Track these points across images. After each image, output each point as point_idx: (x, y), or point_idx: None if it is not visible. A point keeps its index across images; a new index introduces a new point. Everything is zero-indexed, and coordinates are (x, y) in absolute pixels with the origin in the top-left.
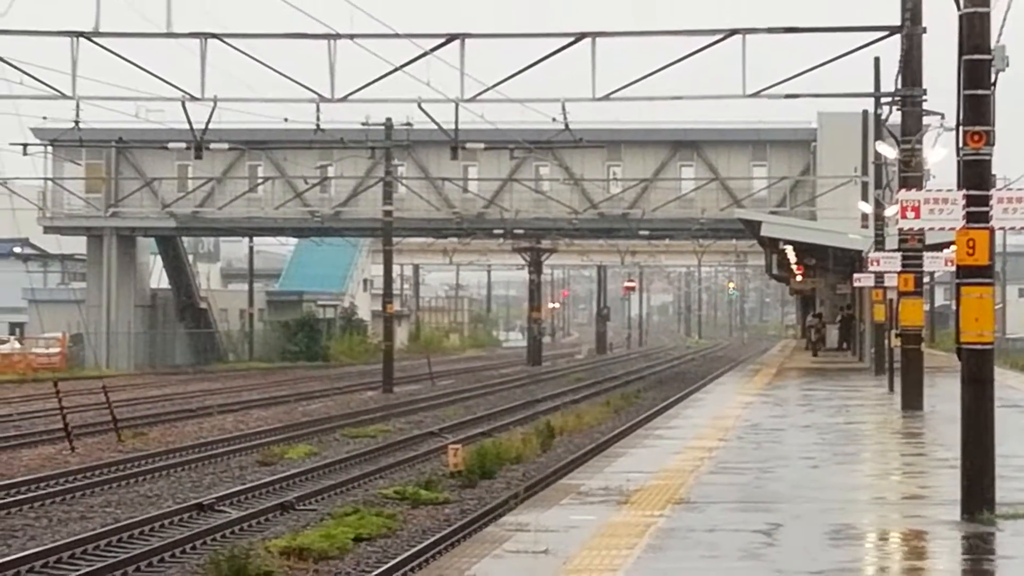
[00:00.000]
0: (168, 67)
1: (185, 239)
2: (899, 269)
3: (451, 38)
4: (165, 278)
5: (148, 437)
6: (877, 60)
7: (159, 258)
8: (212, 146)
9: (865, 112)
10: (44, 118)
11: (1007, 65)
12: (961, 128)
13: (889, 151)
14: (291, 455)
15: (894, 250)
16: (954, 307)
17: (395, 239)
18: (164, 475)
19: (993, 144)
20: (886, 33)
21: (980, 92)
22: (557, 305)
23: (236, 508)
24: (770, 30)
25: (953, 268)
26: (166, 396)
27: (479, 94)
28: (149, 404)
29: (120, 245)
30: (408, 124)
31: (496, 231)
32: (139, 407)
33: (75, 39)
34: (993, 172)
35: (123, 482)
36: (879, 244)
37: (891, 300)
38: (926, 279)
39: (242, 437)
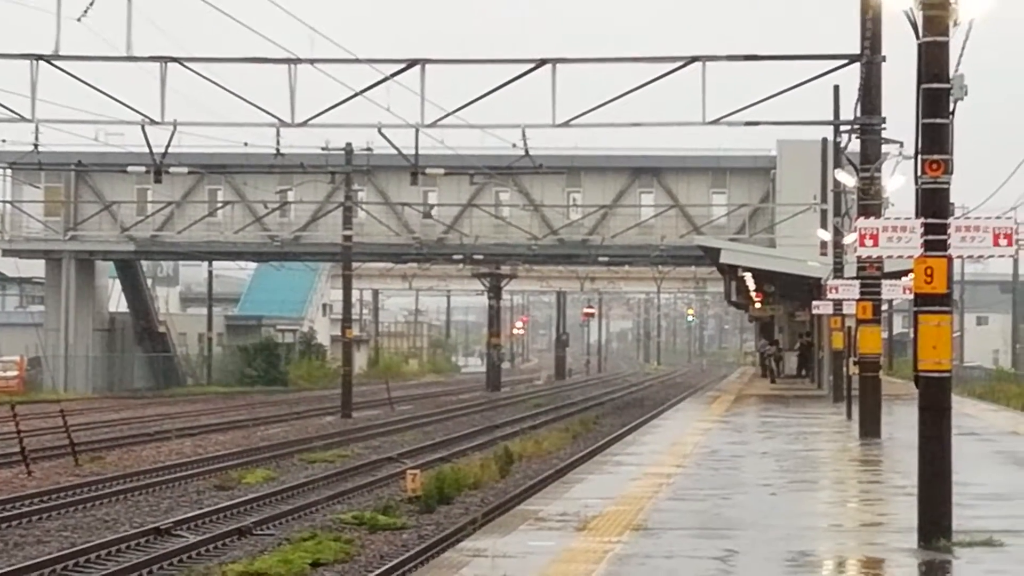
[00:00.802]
0: (128, 91)
1: (144, 263)
2: (857, 297)
3: (411, 63)
4: (124, 302)
5: (105, 461)
6: (837, 88)
7: (118, 282)
8: (172, 170)
9: (824, 140)
10: (3, 141)
11: (966, 94)
12: (920, 156)
13: (848, 179)
14: (249, 480)
15: (853, 278)
16: (912, 335)
17: (355, 264)
18: (121, 499)
19: (951, 173)
20: (845, 61)
21: (939, 121)
22: (522, 329)
23: (193, 532)
24: (730, 58)
25: (911, 296)
26: (124, 420)
27: (439, 120)
28: (107, 428)
29: (79, 268)
30: (368, 149)
31: (456, 256)
32: (97, 431)
33: (34, 62)
34: (951, 200)
35: (80, 506)
36: (838, 272)
37: (849, 327)
38: (884, 307)
39: (200, 461)
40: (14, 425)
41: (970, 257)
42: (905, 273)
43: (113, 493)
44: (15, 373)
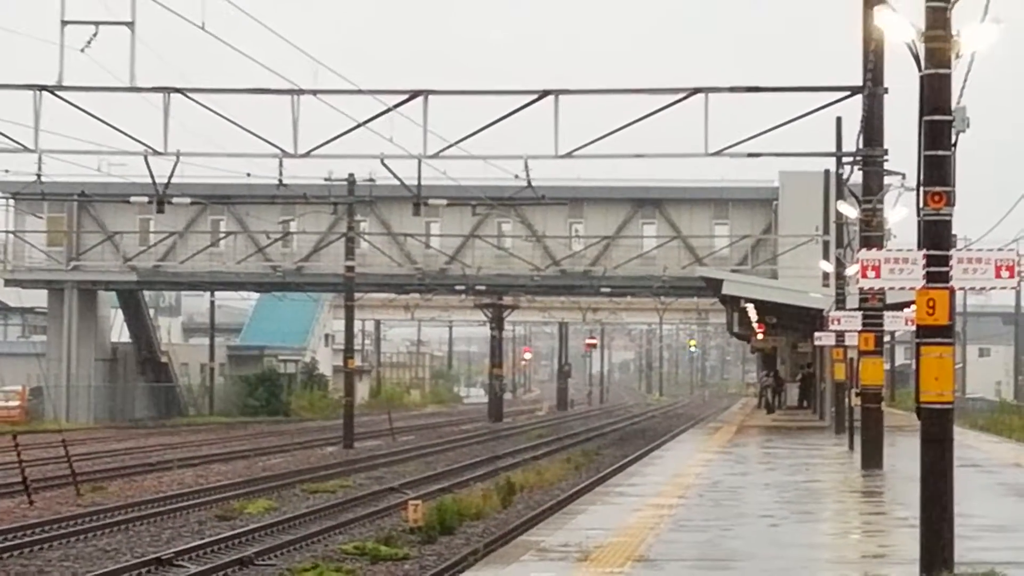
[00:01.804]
0: (131, 121)
1: (146, 293)
2: (860, 328)
3: (414, 94)
4: (126, 331)
5: (107, 491)
6: (839, 120)
7: (120, 312)
8: (174, 200)
9: (827, 171)
10: (6, 171)
11: (968, 126)
12: (922, 188)
13: (850, 210)
14: (251, 510)
15: (855, 309)
16: (914, 366)
17: (357, 294)
18: (123, 529)
19: (953, 204)
20: (848, 93)
21: (941, 152)
22: (529, 357)
23: (195, 563)
24: (733, 89)
25: (913, 327)
26: (126, 450)
27: (442, 150)
28: (109, 458)
29: (81, 299)
30: (371, 180)
31: (458, 287)
32: (99, 461)
33: (38, 92)
34: (953, 232)
35: (81, 536)
36: (840, 303)
37: (851, 359)
38: (887, 338)
39: (202, 492)
40: (16, 455)
41: (972, 289)
42: (907, 305)
43: (114, 523)
44: (17, 403)
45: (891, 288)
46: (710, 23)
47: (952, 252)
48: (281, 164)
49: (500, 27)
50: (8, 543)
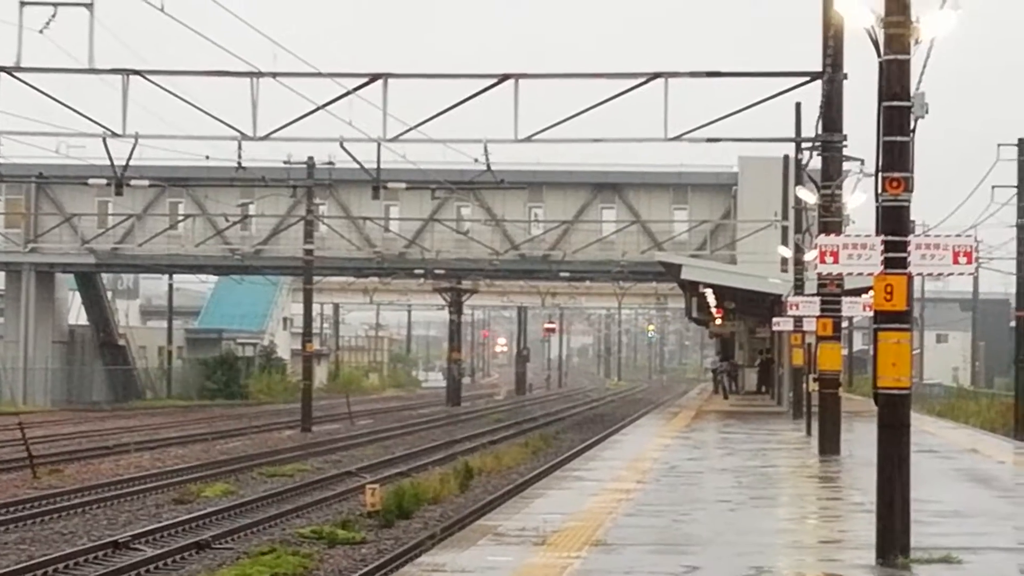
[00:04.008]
0: (90, 103)
1: (104, 276)
2: (818, 313)
3: (374, 78)
4: (84, 314)
5: (64, 474)
6: (798, 105)
7: (78, 294)
8: (133, 183)
9: (786, 157)
10: None
11: (926, 112)
12: (880, 174)
13: (809, 196)
14: (208, 493)
15: (813, 294)
16: (872, 352)
17: (316, 278)
18: (79, 512)
19: (912, 190)
20: (807, 79)
21: (899, 139)
22: (505, 346)
23: (152, 546)
24: (692, 74)
25: (871, 313)
26: (83, 433)
27: (401, 134)
28: (66, 441)
29: (39, 281)
30: (330, 163)
31: (417, 271)
32: (55, 444)
33: None
34: (912, 218)
35: (38, 519)
36: (798, 288)
37: (809, 344)
38: (844, 324)
39: (159, 475)
40: None
41: (930, 275)
42: (865, 290)
43: (71, 506)
44: None
45: (849, 274)
46: (671, 8)
47: (910, 238)
48: (240, 147)
49: (461, 10)
50: None
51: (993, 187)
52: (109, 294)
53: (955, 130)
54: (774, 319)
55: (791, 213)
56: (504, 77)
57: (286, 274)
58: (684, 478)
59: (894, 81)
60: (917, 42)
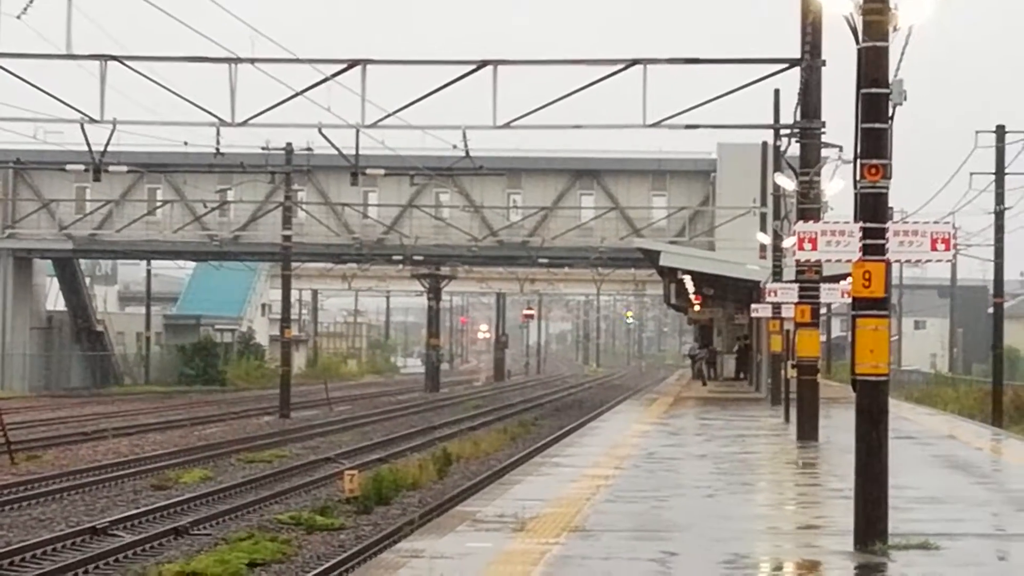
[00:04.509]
0: (67, 89)
1: (82, 261)
2: (796, 300)
3: (352, 64)
4: (61, 300)
5: (42, 460)
6: (777, 92)
7: (56, 280)
8: (111, 169)
9: (764, 144)
10: None
11: (905, 99)
12: (859, 161)
13: (788, 183)
14: (186, 479)
15: (791, 281)
16: (850, 338)
17: (294, 264)
18: (57, 498)
19: (890, 177)
20: (786, 66)
21: (878, 126)
22: (488, 333)
23: (130, 532)
24: (671, 60)
25: (849, 300)
26: (61, 419)
27: (380, 120)
28: (44, 427)
29: (16, 267)
30: (308, 149)
31: (395, 257)
32: (33, 429)
33: None
34: (890, 205)
35: (16, 505)
36: (777, 275)
37: (788, 331)
38: (823, 310)
39: (137, 461)
40: None
41: (908, 261)
42: (843, 277)
43: (49, 492)
44: None
45: (828, 260)
46: None
47: (888, 225)
48: (218, 133)
49: None
50: None
51: (971, 174)
52: (87, 280)
53: (933, 117)
54: (752, 306)
55: (770, 200)
56: (483, 63)
57: (264, 260)
58: (662, 464)
59: (872, 68)
60: (895, 29)
